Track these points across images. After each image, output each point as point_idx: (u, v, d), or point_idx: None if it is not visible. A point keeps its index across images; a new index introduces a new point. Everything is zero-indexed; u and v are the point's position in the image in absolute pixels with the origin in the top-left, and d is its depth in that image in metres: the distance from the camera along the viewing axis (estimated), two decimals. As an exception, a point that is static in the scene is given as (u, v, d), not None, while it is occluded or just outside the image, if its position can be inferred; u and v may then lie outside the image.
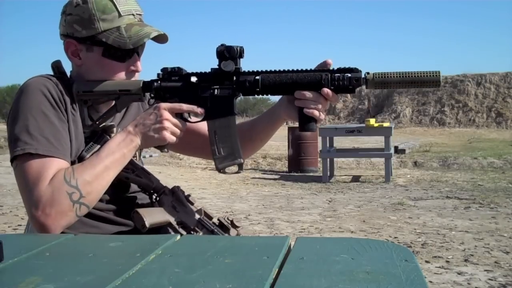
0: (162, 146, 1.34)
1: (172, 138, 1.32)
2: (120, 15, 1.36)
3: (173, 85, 1.34)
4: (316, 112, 1.28)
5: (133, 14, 1.39)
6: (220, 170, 1.34)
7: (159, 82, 1.34)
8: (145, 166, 1.47)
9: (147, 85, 1.35)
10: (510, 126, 19.32)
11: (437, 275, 3.48)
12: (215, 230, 1.37)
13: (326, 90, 1.27)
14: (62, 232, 1.23)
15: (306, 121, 1.30)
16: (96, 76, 1.38)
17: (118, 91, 1.36)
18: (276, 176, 8.90)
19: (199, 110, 1.34)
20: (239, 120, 1.46)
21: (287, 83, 1.29)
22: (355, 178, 8.52)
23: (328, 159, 8.26)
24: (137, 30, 1.36)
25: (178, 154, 10.60)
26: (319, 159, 8.88)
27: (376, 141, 10.66)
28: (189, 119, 1.36)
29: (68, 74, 1.44)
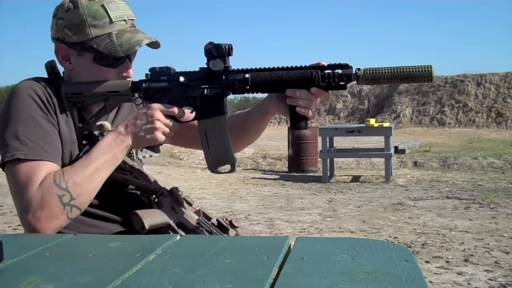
0: (153, 146, 1.33)
1: (163, 138, 1.31)
2: (111, 21, 1.35)
3: (161, 85, 1.32)
4: (307, 111, 1.27)
5: (125, 20, 1.37)
6: (212, 170, 1.33)
7: (147, 82, 1.33)
8: (145, 166, 1.46)
9: (135, 86, 1.34)
10: (510, 126, 19.31)
11: (437, 275, 3.48)
12: (214, 231, 1.37)
13: (315, 89, 1.26)
14: (62, 232, 1.23)
15: (298, 120, 1.29)
16: (86, 80, 1.36)
17: (106, 93, 1.35)
18: (276, 176, 8.90)
19: (191, 114, 1.34)
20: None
21: (277, 81, 1.28)
22: (355, 178, 8.52)
23: (328, 159, 8.26)
24: (129, 37, 1.35)
25: (178, 154, 10.61)
26: (319, 159, 8.88)
27: (376, 141, 10.65)
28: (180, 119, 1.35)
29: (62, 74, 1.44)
